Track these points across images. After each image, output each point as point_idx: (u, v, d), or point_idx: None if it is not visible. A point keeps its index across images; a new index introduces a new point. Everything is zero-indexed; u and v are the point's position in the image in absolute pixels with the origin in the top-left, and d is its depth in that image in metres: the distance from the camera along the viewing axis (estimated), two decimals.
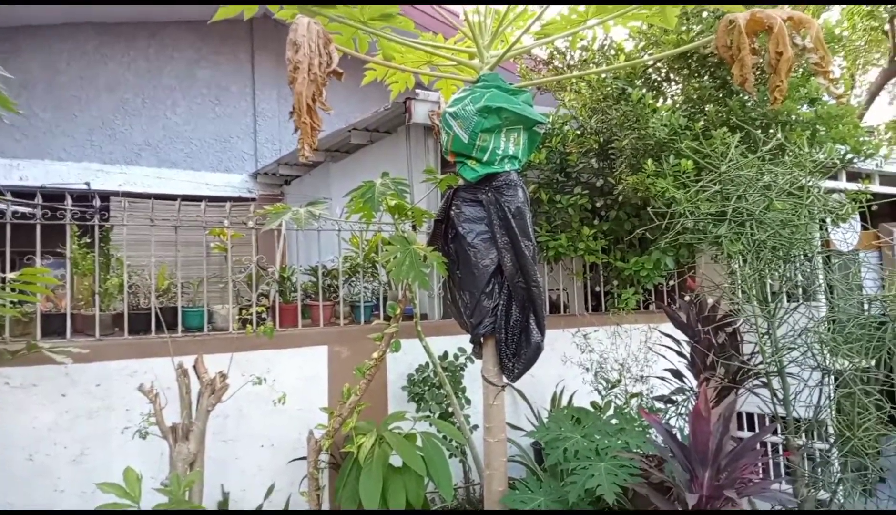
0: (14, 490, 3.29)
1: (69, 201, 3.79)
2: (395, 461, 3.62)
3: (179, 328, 4.02)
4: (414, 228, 3.97)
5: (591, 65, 4.96)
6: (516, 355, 3.30)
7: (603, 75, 4.63)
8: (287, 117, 8.11)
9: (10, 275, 2.80)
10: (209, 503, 3.56)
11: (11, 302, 3.26)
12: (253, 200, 7.91)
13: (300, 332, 4.31)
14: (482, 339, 3.36)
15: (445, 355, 4.39)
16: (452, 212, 3.28)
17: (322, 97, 2.28)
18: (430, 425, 3.96)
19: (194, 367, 3.46)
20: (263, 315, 4.20)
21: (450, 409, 4.15)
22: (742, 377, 3.47)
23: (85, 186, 7.08)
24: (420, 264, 3.17)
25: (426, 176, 3.76)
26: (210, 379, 3.44)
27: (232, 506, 3.83)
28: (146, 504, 3.04)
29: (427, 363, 4.33)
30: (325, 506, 3.79)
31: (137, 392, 3.35)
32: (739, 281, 3.47)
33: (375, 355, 3.56)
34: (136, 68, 7.83)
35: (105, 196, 7.09)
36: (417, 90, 4.44)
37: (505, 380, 3.42)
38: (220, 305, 4.26)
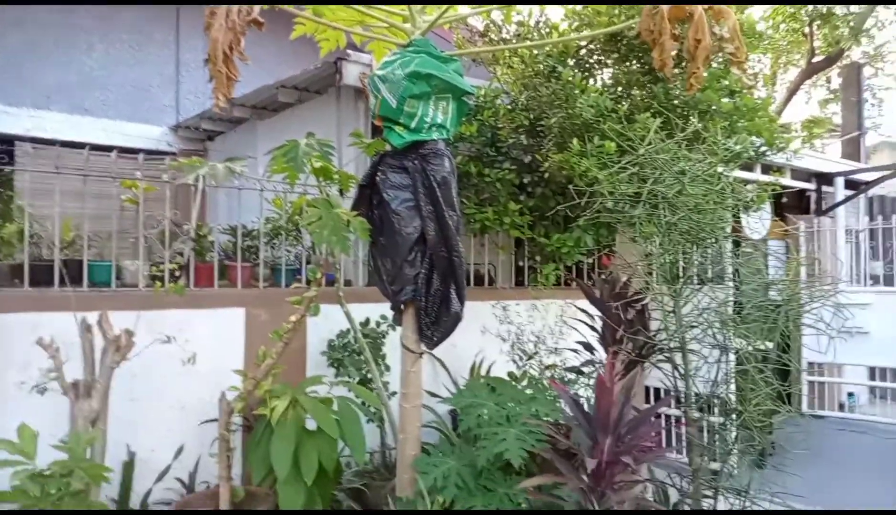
0: None
1: None
2: (311, 425, 3.61)
3: (85, 282, 3.83)
4: (341, 192, 3.92)
5: (525, 41, 4.99)
6: (436, 323, 3.35)
7: (535, 52, 4.67)
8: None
9: None
10: (113, 462, 3.44)
11: None
12: (172, 154, 7.56)
13: (216, 292, 4.19)
14: (402, 306, 3.38)
15: (367, 322, 4.38)
16: (378, 178, 3.26)
17: (240, 46, 2.20)
18: (349, 390, 3.97)
19: (99, 323, 3.32)
20: (177, 274, 4.06)
21: (369, 375, 4.17)
22: (648, 352, 3.65)
23: None
24: (342, 229, 3.14)
25: (353, 140, 3.70)
26: (115, 336, 3.31)
27: (138, 466, 3.72)
28: (43, 462, 2.91)
29: (348, 330, 4.32)
30: (236, 469, 3.74)
31: (37, 347, 3.18)
32: (652, 261, 3.63)
33: (293, 318, 3.51)
34: (47, 6, 7.28)
35: (10, 140, 6.63)
36: (349, 51, 4.34)
37: (423, 348, 3.46)
38: (130, 261, 4.08)
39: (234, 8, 2.19)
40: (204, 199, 5.88)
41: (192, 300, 3.97)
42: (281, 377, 3.74)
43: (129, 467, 3.69)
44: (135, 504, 3.68)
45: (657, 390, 5.24)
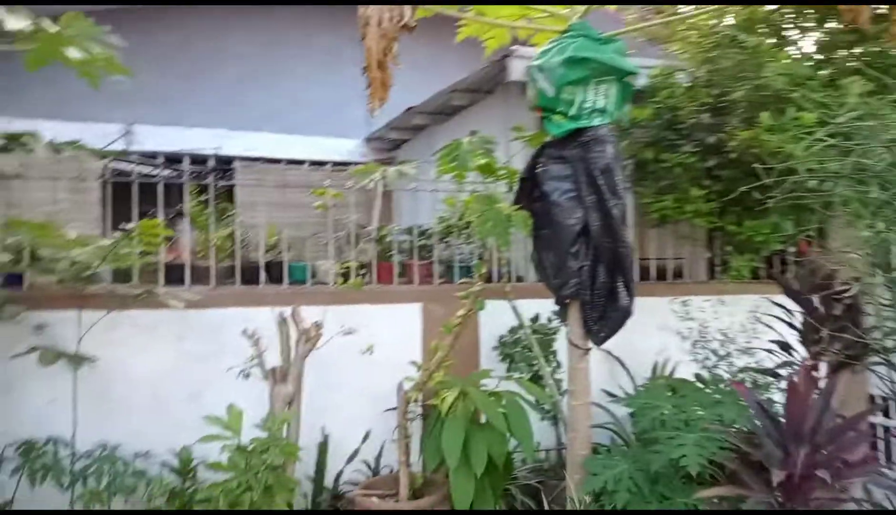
0: (139, 421, 3.71)
1: (187, 162, 4.13)
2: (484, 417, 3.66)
3: (285, 280, 4.29)
4: (511, 188, 3.92)
5: (702, 10, 4.56)
6: (602, 318, 3.20)
7: (715, 21, 4.25)
8: (396, 81, 8.25)
9: (129, 226, 3.12)
10: (308, 443, 3.81)
11: (138, 252, 3.64)
12: (364, 164, 8.16)
13: (396, 289, 4.44)
14: (567, 301, 3.28)
15: (537, 317, 4.34)
16: (538, 169, 3.20)
17: (393, 52, 2.30)
18: (520, 385, 3.96)
19: (293, 316, 3.70)
20: (361, 272, 4.37)
21: (540, 372, 4.12)
22: (860, 353, 3.13)
23: (214, 151, 7.67)
24: (504, 224, 3.13)
25: (516, 134, 3.69)
26: (306, 328, 3.66)
27: (331, 448, 4.07)
28: (246, 438, 3.32)
29: (520, 325, 4.31)
30: (414, 455, 3.92)
31: (245, 337, 3.63)
32: (864, 248, 3.11)
33: (461, 313, 3.59)
34: (259, 40, 8.28)
35: (230, 160, 7.67)
36: (514, 46, 4.33)
37: (591, 344, 3.33)
38: (322, 261, 4.49)
39: (386, 15, 2.30)
40: (388, 202, 6.28)
41: (374, 296, 4.25)
42: (454, 370, 3.86)
43: (322, 448, 4.04)
44: (328, 483, 4.03)
45: (882, 397, 4.48)
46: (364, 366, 4.11)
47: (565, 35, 3.02)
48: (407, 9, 2.35)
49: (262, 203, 4.65)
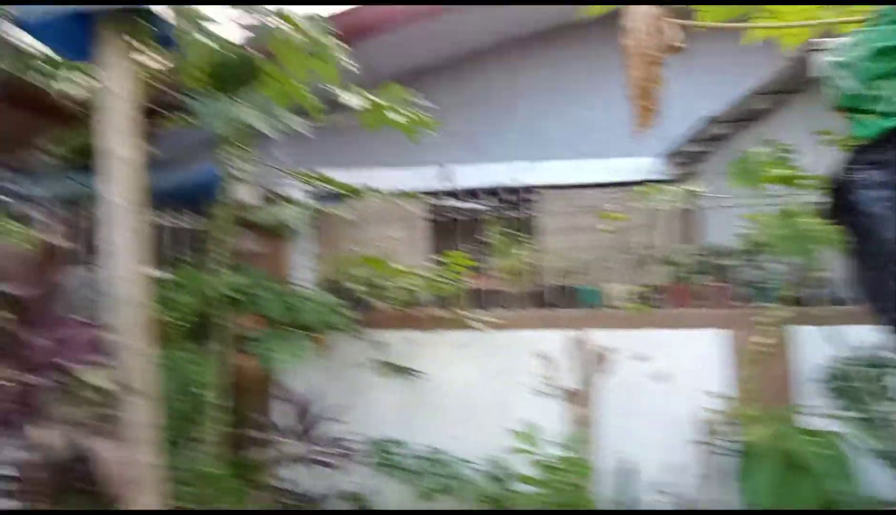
0: (454, 428, 4.23)
1: (488, 198, 4.61)
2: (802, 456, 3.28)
3: (577, 304, 4.47)
4: (820, 199, 3.49)
5: None
6: None
7: None
8: (697, 95, 7.87)
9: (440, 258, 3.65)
10: (603, 466, 3.89)
11: (448, 281, 4.20)
12: (665, 182, 7.95)
13: (691, 313, 4.25)
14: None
15: (864, 346, 3.71)
16: (849, 177, 2.79)
17: (656, 78, 2.30)
18: (842, 424, 3.44)
19: (584, 339, 3.84)
20: (653, 295, 4.31)
21: (869, 409, 3.51)
22: None
23: (515, 183, 8.29)
24: (807, 240, 2.82)
25: (824, 138, 3.26)
26: (597, 351, 3.77)
27: (628, 474, 4.07)
28: (545, 454, 3.55)
29: (847, 355, 3.74)
30: (720, 490, 3.69)
31: (538, 357, 3.91)
32: None
33: (768, 340, 3.30)
34: (549, 73, 8.74)
35: (529, 190, 8.20)
36: (814, 39, 3.83)
37: None
38: (612, 284, 4.55)
39: (648, 44, 2.31)
40: (688, 221, 6.01)
41: (668, 320, 4.14)
42: (763, 403, 3.54)
43: (620, 473, 4.07)
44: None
45: None
46: (659, 393, 4.03)
47: (873, 23, 2.61)
48: (671, 31, 2.33)
49: (557, 229, 4.92)
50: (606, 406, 3.91)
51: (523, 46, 8.55)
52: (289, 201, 3.71)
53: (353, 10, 7.02)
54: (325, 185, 4.25)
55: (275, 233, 4.46)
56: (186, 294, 3.50)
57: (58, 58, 3.26)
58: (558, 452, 3.57)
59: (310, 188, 4.69)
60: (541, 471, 3.49)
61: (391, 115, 3.49)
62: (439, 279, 4.02)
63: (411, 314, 4.23)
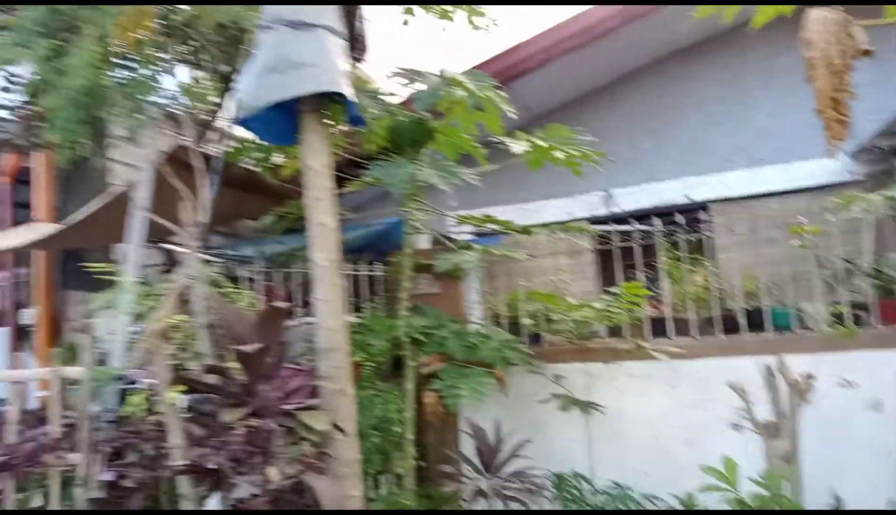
0: (641, 463, 4.12)
1: (656, 223, 4.49)
2: None
3: (767, 327, 4.16)
4: None
5: None
6: None
7: None
8: (887, 88, 7.05)
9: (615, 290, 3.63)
10: (813, 503, 3.55)
11: (622, 311, 4.15)
12: (855, 182, 7.16)
13: None
14: None
15: None
16: None
17: (846, 87, 2.15)
18: None
19: (779, 366, 3.57)
20: (856, 313, 3.90)
21: None
22: None
23: (685, 200, 7.95)
24: None
25: None
26: (796, 379, 3.48)
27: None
28: (741, 492, 3.33)
29: None
30: None
31: (730, 387, 3.69)
32: None
33: None
34: (715, 80, 8.32)
35: (703, 205, 7.78)
36: None
37: None
38: (807, 303, 4.18)
39: (834, 52, 2.17)
40: (890, 228, 5.34)
41: (877, 340, 3.72)
42: None
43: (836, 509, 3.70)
44: None
45: None
46: (874, 421, 3.62)
47: None
48: (859, 35, 2.17)
49: (735, 245, 4.63)
50: (810, 439, 3.59)
51: (682, 59, 8.24)
52: (462, 246, 3.93)
53: (508, 51, 7.29)
54: (491, 225, 4.43)
55: (450, 274, 4.73)
56: (376, 337, 3.83)
57: (265, 144, 3.79)
58: (757, 490, 3.33)
59: (478, 228, 4.91)
60: (738, 509, 3.27)
61: (555, 153, 3.59)
62: (613, 309, 3.98)
63: (588, 347, 4.22)
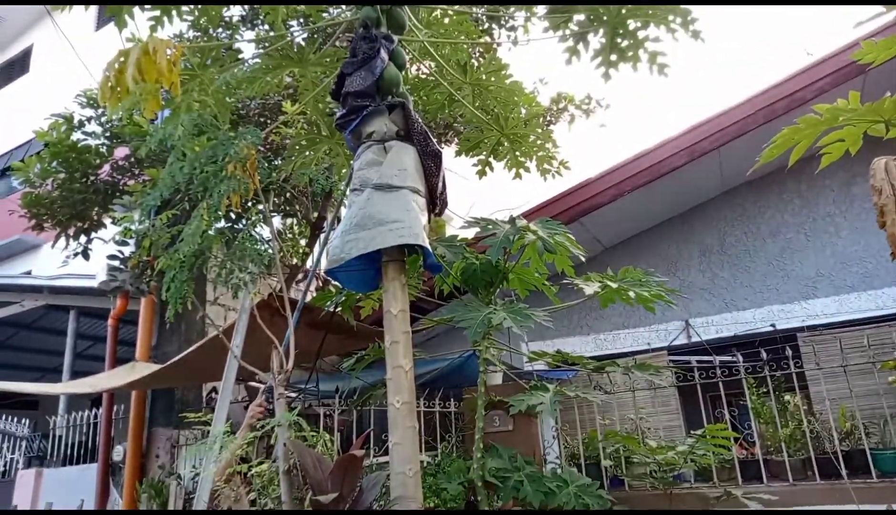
0: None
1: (740, 358, 4.37)
2: None
3: (872, 471, 3.84)
4: None
5: None
6: None
7: None
8: None
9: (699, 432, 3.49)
10: None
11: (709, 452, 3.95)
12: None
13: None
14: None
15: None
16: None
17: None
18: None
19: None
20: None
21: None
22: None
23: (768, 328, 7.66)
24: None
25: None
26: None
27: None
28: None
29: None
30: None
31: None
32: None
33: None
34: (791, 208, 8.28)
35: (791, 334, 7.47)
36: None
37: None
38: None
39: None
40: None
41: None
42: None
43: None
44: None
45: None
46: None
47: None
48: None
49: (825, 376, 4.39)
50: None
51: (753, 189, 8.29)
52: (535, 384, 3.93)
53: (576, 188, 7.60)
54: (564, 361, 4.43)
55: (524, 412, 4.68)
56: (450, 480, 3.79)
57: (349, 291, 4.06)
58: None
59: (550, 363, 4.90)
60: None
61: (628, 293, 3.64)
62: (699, 451, 3.80)
63: (674, 492, 4.00)
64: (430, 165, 3.53)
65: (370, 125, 3.50)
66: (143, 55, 3.23)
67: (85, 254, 6.22)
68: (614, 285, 3.51)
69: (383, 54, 3.55)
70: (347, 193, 3.54)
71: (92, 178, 6.19)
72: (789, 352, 5.55)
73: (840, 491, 3.75)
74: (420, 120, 3.60)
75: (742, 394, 4.86)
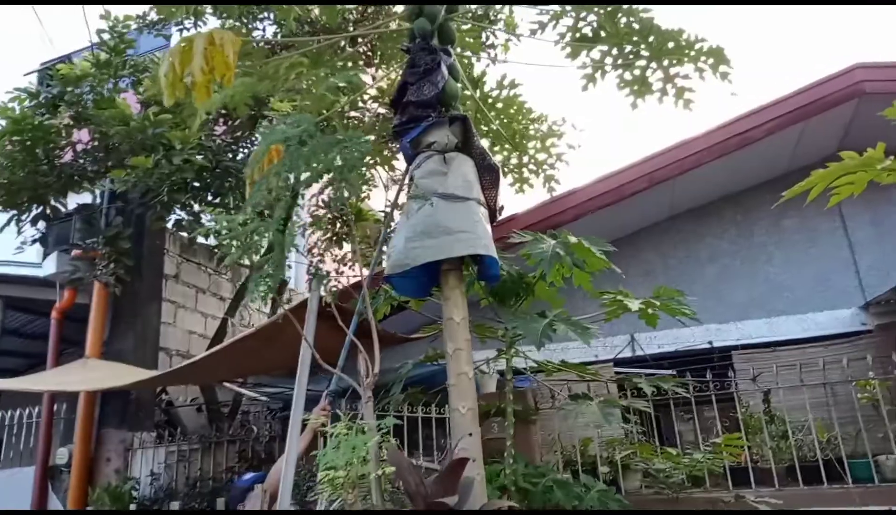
0: None
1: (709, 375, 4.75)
2: None
3: (848, 478, 4.31)
4: None
5: None
6: None
7: None
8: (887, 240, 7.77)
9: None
10: None
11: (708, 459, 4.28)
12: (867, 332, 7.67)
13: None
14: None
15: None
16: None
17: None
18: None
19: None
20: None
21: None
22: None
23: (708, 345, 8.31)
24: None
25: None
26: None
27: None
28: None
29: None
30: None
31: None
32: None
33: None
34: (728, 236, 9.01)
35: (726, 350, 8.14)
36: None
37: None
38: (884, 456, 4.37)
39: None
40: None
41: None
42: None
43: None
44: None
45: None
46: None
47: None
48: None
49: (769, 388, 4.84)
50: None
51: (695, 215, 8.96)
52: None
53: (544, 205, 7.89)
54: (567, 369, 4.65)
55: (521, 417, 4.84)
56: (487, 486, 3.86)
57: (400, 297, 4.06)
58: None
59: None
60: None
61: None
62: (706, 459, 4.12)
63: (679, 497, 4.29)
64: (487, 179, 3.62)
65: (432, 135, 3.54)
66: (209, 45, 3.11)
67: (43, 241, 5.71)
68: (657, 303, 3.75)
69: (443, 68, 3.61)
70: (404, 199, 3.55)
71: (56, 161, 5.72)
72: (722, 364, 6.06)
73: (821, 496, 4.19)
74: (477, 134, 3.69)
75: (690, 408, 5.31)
